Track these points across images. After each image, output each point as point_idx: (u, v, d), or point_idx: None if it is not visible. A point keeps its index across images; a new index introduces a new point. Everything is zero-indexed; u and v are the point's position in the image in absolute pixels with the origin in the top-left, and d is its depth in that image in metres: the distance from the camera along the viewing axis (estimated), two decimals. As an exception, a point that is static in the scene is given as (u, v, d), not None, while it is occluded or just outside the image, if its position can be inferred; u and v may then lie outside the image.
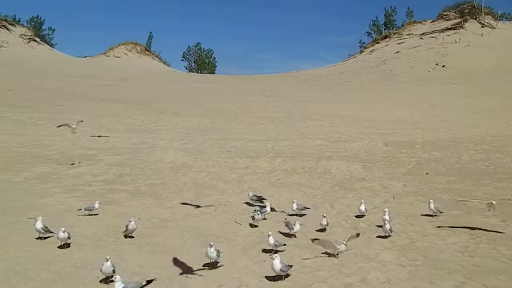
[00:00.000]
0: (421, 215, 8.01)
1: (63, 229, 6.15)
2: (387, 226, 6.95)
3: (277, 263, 5.34)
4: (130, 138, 15.32)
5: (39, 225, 6.36)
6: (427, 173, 11.06)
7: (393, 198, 9.21)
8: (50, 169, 10.90)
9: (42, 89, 27.26)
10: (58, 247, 6.23)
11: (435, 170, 11.35)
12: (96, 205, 7.68)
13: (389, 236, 6.94)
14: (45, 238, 6.46)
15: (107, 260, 5.19)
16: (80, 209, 7.80)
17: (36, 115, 18.31)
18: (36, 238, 6.45)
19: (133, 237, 6.74)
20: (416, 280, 5.49)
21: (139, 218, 7.64)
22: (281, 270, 5.34)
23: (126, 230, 6.67)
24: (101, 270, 5.23)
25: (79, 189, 9.41)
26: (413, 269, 5.81)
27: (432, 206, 7.86)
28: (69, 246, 6.28)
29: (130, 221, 6.64)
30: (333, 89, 35.71)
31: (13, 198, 8.37)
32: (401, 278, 5.56)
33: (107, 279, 5.23)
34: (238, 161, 12.44)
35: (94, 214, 7.65)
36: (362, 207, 7.93)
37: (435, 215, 7.86)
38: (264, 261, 6.00)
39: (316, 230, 7.31)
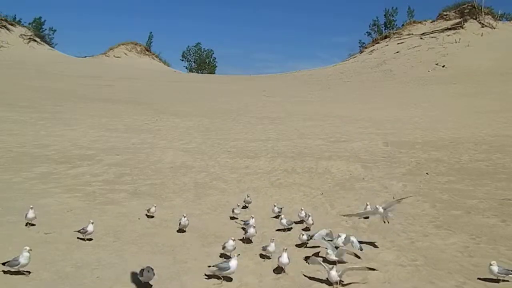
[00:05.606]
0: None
1: (33, 209, 6.86)
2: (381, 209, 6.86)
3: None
4: (130, 138, 15.32)
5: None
6: (427, 173, 11.06)
7: (393, 198, 9.19)
8: (50, 169, 10.90)
9: (42, 89, 27.24)
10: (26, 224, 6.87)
11: (435, 170, 11.35)
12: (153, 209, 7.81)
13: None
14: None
15: None
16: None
17: (36, 115, 18.29)
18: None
19: (184, 231, 7.11)
20: (416, 280, 5.49)
21: (139, 218, 7.68)
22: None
23: (179, 225, 7.11)
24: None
25: (79, 189, 9.41)
26: (413, 269, 5.81)
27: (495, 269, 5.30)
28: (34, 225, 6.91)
29: (182, 218, 7.08)
30: (333, 89, 35.66)
31: (13, 198, 8.37)
32: (401, 278, 5.56)
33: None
34: (238, 161, 12.45)
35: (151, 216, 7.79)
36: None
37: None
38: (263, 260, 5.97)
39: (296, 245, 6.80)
